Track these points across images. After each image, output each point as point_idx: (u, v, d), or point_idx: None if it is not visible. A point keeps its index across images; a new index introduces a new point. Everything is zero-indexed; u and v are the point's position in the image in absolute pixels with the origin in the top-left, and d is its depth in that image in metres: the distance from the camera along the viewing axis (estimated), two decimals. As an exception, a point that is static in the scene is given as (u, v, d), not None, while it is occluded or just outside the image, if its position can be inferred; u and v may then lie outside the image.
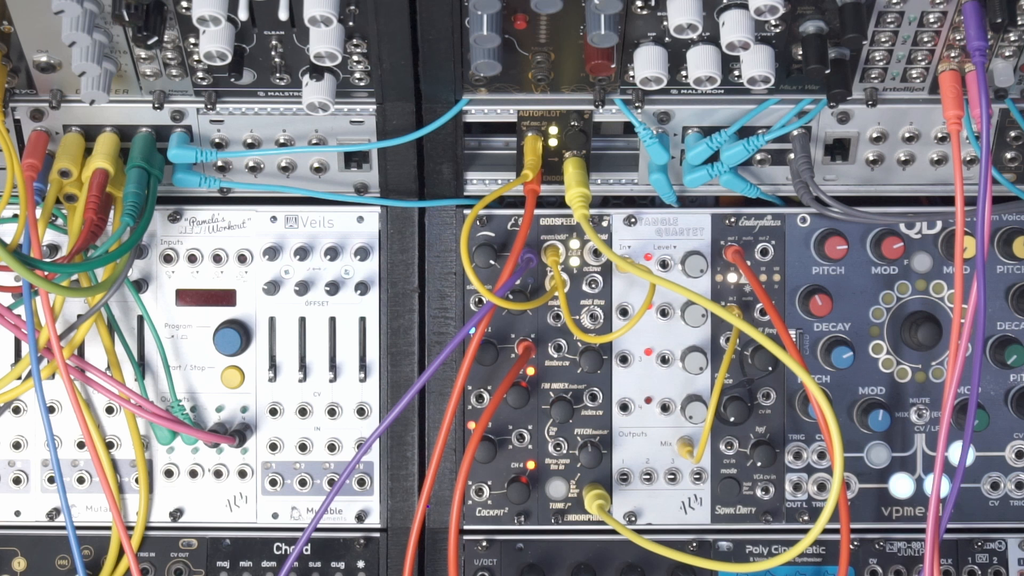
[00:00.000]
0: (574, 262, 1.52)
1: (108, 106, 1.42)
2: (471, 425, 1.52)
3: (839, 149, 1.50)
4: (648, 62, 1.34)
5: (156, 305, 1.52)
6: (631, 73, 1.39)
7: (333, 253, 1.51)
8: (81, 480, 1.53)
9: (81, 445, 1.53)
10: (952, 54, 1.37)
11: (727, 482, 1.52)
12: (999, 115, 1.44)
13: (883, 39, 1.36)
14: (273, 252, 1.51)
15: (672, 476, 1.53)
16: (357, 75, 1.40)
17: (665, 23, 1.30)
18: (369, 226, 1.52)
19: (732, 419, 1.50)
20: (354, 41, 1.35)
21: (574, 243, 1.52)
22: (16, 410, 1.53)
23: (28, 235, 1.34)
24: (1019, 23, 1.27)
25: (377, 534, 1.54)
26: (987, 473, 1.54)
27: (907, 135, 1.46)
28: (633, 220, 1.52)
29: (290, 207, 1.52)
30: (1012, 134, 1.46)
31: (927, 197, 1.53)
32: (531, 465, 1.53)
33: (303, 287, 1.51)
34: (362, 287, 1.51)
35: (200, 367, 1.52)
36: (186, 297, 1.52)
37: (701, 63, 1.33)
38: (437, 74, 1.39)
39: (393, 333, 1.52)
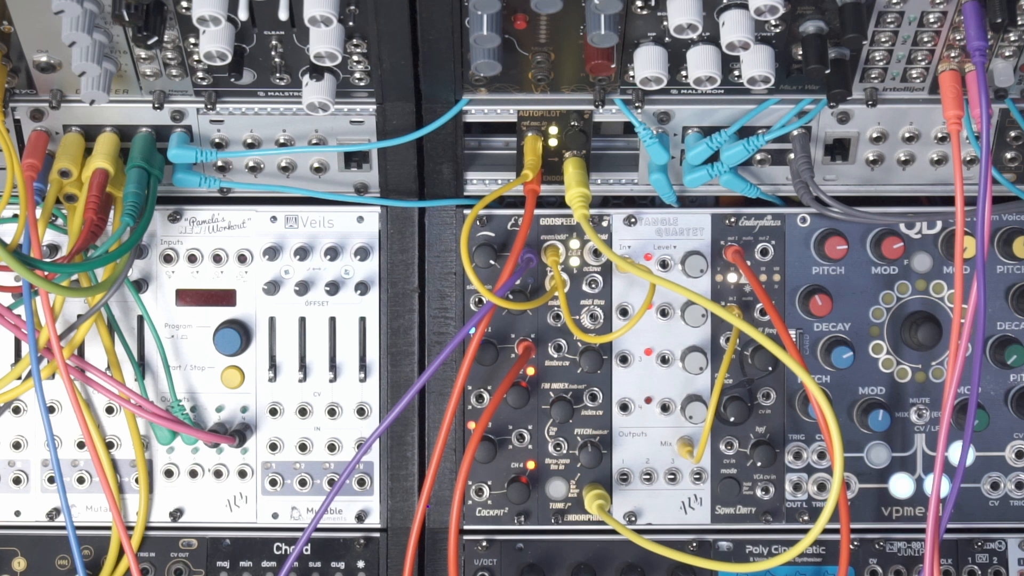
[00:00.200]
0: (574, 262, 1.52)
1: (108, 106, 1.42)
2: (471, 425, 1.52)
3: (839, 149, 1.49)
4: (648, 62, 1.34)
5: (156, 305, 1.52)
6: (631, 73, 1.38)
7: (333, 253, 1.51)
8: (81, 480, 1.53)
9: (81, 445, 1.53)
10: (952, 54, 1.37)
11: (727, 482, 1.52)
12: (999, 115, 1.44)
13: (883, 39, 1.35)
14: (273, 252, 1.51)
15: (672, 476, 1.53)
16: (357, 75, 1.40)
17: (665, 23, 1.30)
18: (369, 226, 1.52)
19: (732, 419, 1.50)
20: (354, 41, 1.35)
21: (574, 243, 1.52)
22: (16, 410, 1.53)
23: (28, 235, 1.34)
24: (1019, 23, 1.27)
25: (377, 534, 1.54)
26: (987, 473, 1.54)
27: (907, 135, 1.46)
28: (633, 220, 1.52)
29: (290, 207, 1.52)
30: (1012, 134, 1.46)
31: (927, 197, 1.53)
32: (531, 465, 1.53)
33: (303, 287, 1.51)
34: (362, 287, 1.51)
35: (200, 367, 1.52)
36: (186, 297, 1.52)
37: (701, 63, 1.33)
38: (437, 74, 1.39)
39: (393, 333, 1.52)
